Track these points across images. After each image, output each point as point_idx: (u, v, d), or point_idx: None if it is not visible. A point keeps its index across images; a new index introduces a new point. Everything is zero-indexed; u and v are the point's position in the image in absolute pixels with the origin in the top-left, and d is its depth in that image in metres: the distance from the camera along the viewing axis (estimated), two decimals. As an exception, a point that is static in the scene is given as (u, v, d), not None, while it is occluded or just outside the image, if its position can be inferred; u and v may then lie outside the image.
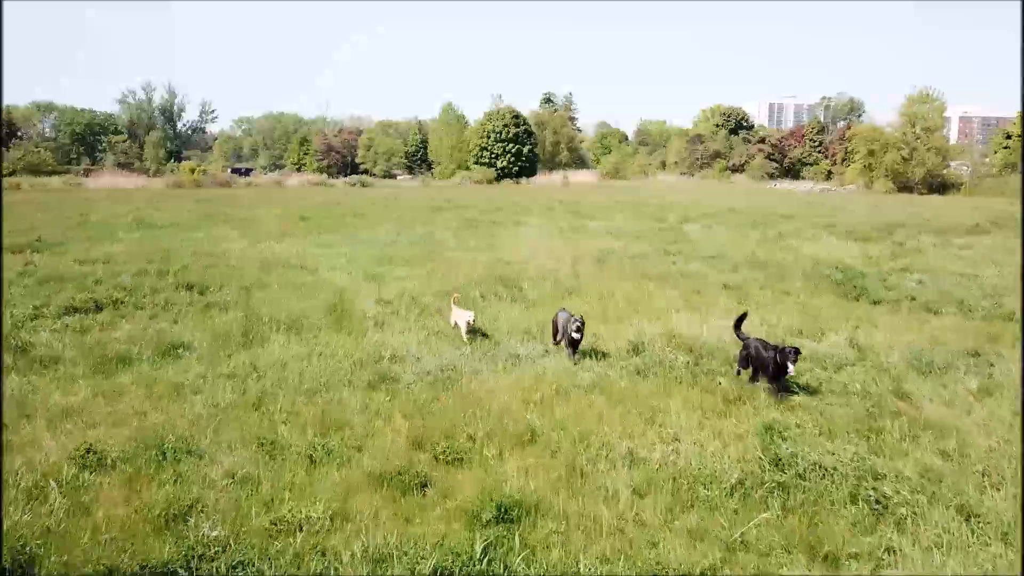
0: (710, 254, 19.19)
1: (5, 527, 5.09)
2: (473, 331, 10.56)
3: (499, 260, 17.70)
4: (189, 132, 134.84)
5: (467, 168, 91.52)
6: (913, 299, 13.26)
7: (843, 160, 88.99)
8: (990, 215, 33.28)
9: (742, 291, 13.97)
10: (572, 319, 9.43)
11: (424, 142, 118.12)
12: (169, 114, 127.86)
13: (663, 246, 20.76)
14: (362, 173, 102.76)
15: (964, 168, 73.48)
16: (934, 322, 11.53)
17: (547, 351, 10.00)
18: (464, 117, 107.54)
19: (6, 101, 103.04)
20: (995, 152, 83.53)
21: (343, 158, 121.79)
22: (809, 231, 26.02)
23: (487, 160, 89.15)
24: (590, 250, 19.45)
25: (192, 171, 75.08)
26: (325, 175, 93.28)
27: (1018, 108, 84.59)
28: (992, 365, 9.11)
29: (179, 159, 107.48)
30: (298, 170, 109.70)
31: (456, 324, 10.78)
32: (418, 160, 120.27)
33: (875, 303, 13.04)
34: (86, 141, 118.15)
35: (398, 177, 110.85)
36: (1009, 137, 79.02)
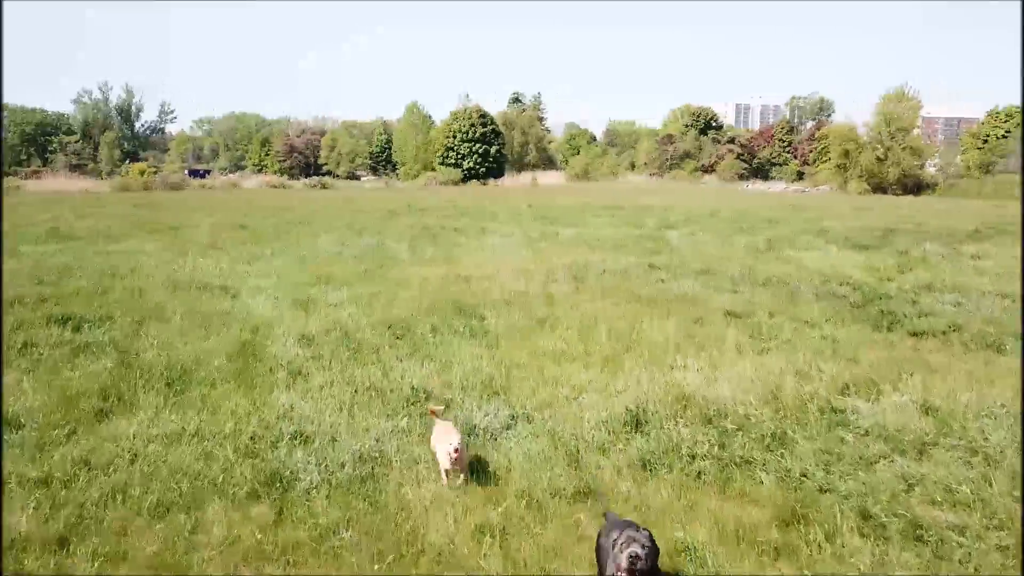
0: (700, 267, 16.68)
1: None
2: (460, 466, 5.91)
3: (458, 277, 15.01)
4: (147, 133, 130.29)
5: (433, 169, 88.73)
6: (957, 329, 10.85)
7: (814, 160, 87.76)
8: (985, 219, 31.33)
9: (752, 320, 11.44)
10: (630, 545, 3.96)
11: (389, 143, 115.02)
12: (127, 114, 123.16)
13: (646, 258, 18.22)
14: (324, 175, 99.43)
15: (932, 168, 72.36)
16: (1002, 363, 9.09)
17: (513, 417, 7.36)
18: (430, 117, 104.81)
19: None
20: (963, 152, 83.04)
21: (305, 159, 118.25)
22: (801, 238, 23.69)
23: (453, 161, 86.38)
24: (565, 264, 16.83)
25: (142, 173, 71.13)
26: (285, 177, 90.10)
27: (989, 108, 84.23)
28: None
29: (135, 160, 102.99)
30: (259, 171, 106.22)
31: (435, 452, 6.15)
32: (383, 161, 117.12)
33: (915, 335, 10.59)
34: (37, 142, 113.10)
35: (362, 179, 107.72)
36: (986, 140, 78.33)
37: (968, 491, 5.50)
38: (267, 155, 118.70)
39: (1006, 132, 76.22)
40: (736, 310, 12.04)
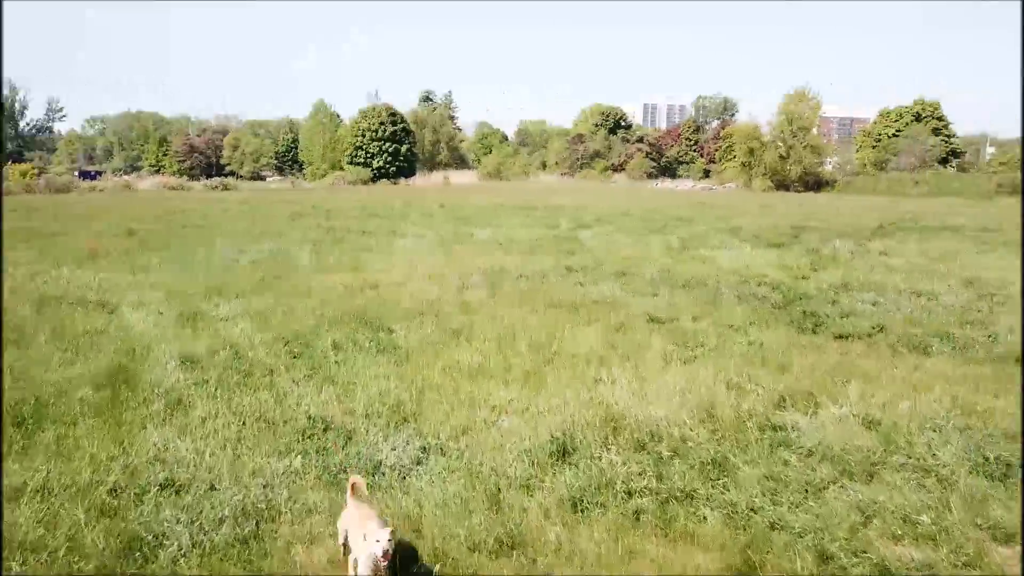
0: (617, 269, 16.20)
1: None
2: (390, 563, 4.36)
3: (365, 285, 13.99)
4: (33, 132, 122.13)
5: (341, 168, 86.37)
6: (881, 330, 10.63)
7: (720, 159, 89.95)
8: (885, 216, 32.35)
9: (675, 326, 10.93)
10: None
11: (296, 142, 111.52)
12: (10, 112, 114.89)
13: (562, 260, 17.63)
14: (227, 175, 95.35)
15: (829, 166, 75.23)
16: (930, 367, 8.82)
17: (425, 450, 6.51)
18: (338, 116, 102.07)
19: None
20: (858, 150, 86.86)
21: (207, 159, 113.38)
22: (714, 237, 23.66)
23: (362, 160, 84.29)
24: (480, 267, 16.04)
25: (24, 175, 66.19)
26: (185, 178, 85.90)
27: (881, 108, 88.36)
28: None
29: (18, 161, 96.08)
30: (156, 172, 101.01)
31: (346, 544, 4.74)
32: (289, 161, 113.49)
33: (840, 337, 10.29)
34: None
35: (267, 179, 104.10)
36: (879, 139, 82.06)
37: (929, 520, 4.99)
38: (165, 155, 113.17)
39: (896, 131, 79.97)
40: (658, 315, 11.53)
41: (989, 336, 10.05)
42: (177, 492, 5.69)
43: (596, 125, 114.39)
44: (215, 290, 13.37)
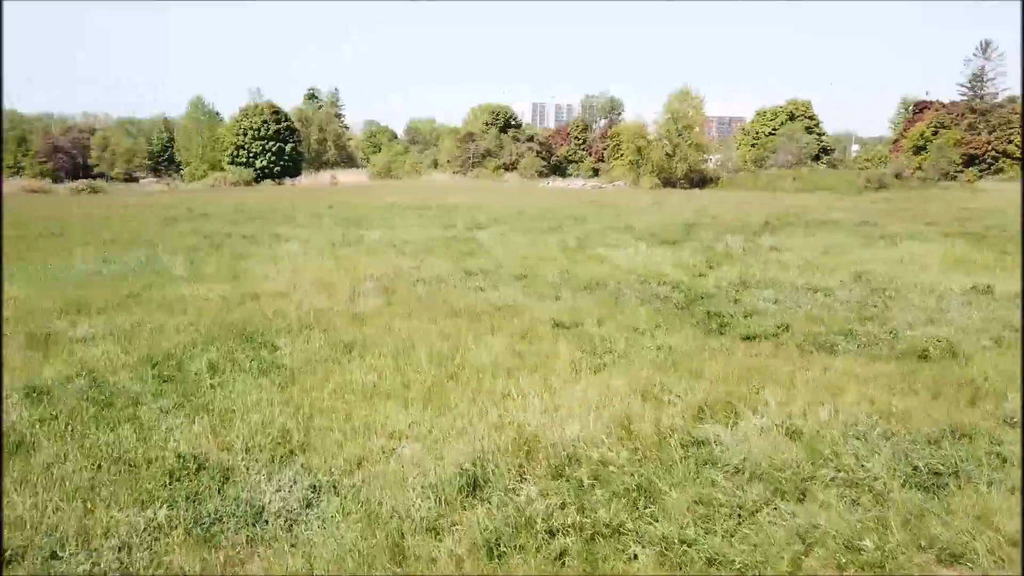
0: (518, 272, 15.68)
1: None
2: None
3: (245, 296, 12.86)
4: None
5: (222, 169, 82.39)
6: (786, 329, 10.53)
7: (608, 157, 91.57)
8: (770, 211, 33.40)
9: (581, 331, 10.47)
10: None
11: (172, 141, 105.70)
12: None
13: (461, 263, 16.95)
14: (96, 177, 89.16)
15: (712, 163, 77.89)
16: (839, 366, 8.70)
17: (315, 489, 5.71)
18: (217, 114, 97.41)
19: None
20: (737, 148, 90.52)
21: (73, 160, 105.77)
22: (610, 235, 23.56)
23: (244, 160, 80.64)
24: (372, 273, 15.14)
25: None
26: (48, 180, 79.60)
27: (758, 108, 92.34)
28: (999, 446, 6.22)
29: None
30: (16, 174, 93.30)
31: None
32: (165, 161, 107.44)
33: (748, 338, 10.10)
34: None
35: (141, 181, 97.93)
36: (757, 137, 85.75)
37: (873, 545, 4.63)
38: (25, 155, 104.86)
39: (773, 130, 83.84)
40: (563, 320, 11.04)
41: (890, 332, 10.09)
42: (7, 564, 4.68)
43: (486, 124, 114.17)
44: (73, 306, 11.92)
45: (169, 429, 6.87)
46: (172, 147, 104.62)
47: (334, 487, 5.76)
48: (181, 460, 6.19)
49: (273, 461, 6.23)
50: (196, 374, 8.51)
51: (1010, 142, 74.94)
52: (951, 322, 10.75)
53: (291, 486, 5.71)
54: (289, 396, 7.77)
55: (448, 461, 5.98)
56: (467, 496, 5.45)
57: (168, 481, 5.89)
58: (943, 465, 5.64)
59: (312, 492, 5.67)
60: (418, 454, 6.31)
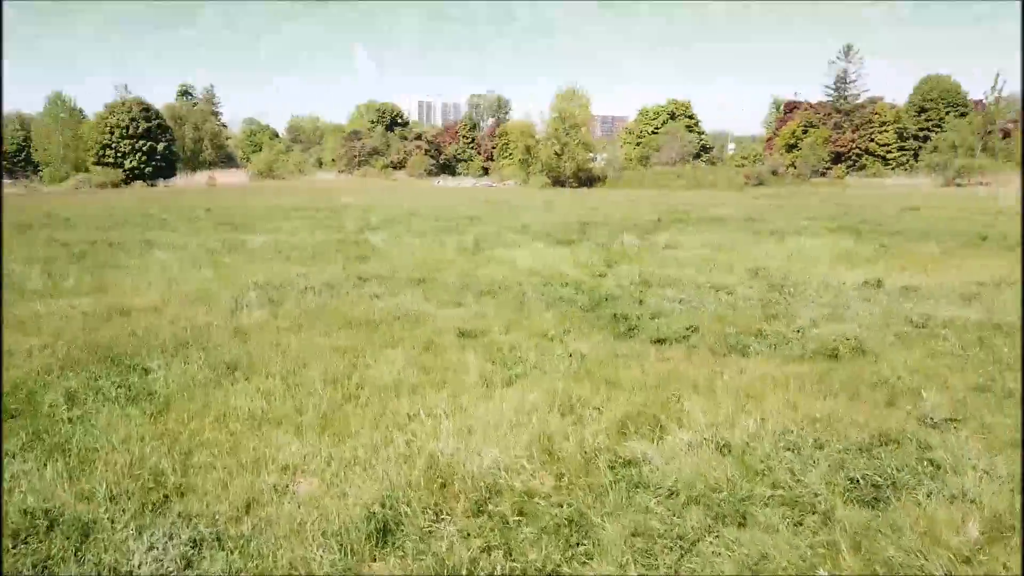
0: (416, 276, 14.97)
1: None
2: None
3: (113, 311, 11.56)
4: None
5: (86, 170, 76.94)
6: (696, 330, 10.34)
7: (497, 156, 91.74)
8: (659, 208, 33.99)
9: (488, 340, 9.90)
10: None
11: (28, 140, 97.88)
12: None
13: (352, 268, 16.06)
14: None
15: (597, 161, 79.39)
16: (753, 369, 8.51)
17: (196, 543, 4.88)
18: (81, 111, 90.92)
19: None
20: (621, 147, 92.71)
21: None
22: (507, 236, 23.17)
23: (112, 160, 75.60)
24: (256, 282, 14.03)
25: None
26: None
27: (640, 107, 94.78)
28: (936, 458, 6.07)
29: None
30: None
31: None
32: (21, 162, 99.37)
33: (658, 342, 9.83)
34: None
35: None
36: (641, 136, 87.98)
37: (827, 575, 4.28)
38: None
39: (655, 129, 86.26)
40: (468, 328, 10.43)
41: (797, 331, 10.06)
42: None
43: (372, 122, 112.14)
44: (-100, 329, 10.31)
45: (15, 477, 5.82)
46: (29, 147, 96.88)
47: (218, 539, 4.94)
48: (28, 517, 5.18)
49: (144, 511, 5.31)
50: (51, 406, 7.37)
51: (872, 140, 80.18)
52: (852, 318, 10.87)
53: (166, 542, 4.85)
54: (163, 428, 6.81)
55: (352, 501, 5.27)
56: (376, 544, 4.76)
57: (12, 545, 4.90)
58: (880, 476, 5.42)
59: (192, 548, 4.83)
60: (316, 492, 5.56)
